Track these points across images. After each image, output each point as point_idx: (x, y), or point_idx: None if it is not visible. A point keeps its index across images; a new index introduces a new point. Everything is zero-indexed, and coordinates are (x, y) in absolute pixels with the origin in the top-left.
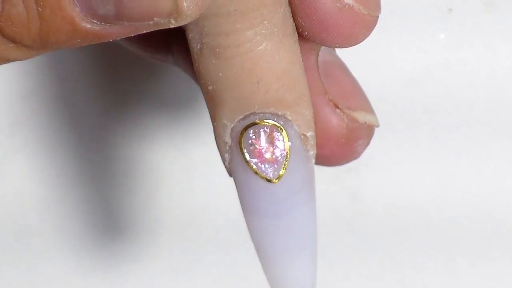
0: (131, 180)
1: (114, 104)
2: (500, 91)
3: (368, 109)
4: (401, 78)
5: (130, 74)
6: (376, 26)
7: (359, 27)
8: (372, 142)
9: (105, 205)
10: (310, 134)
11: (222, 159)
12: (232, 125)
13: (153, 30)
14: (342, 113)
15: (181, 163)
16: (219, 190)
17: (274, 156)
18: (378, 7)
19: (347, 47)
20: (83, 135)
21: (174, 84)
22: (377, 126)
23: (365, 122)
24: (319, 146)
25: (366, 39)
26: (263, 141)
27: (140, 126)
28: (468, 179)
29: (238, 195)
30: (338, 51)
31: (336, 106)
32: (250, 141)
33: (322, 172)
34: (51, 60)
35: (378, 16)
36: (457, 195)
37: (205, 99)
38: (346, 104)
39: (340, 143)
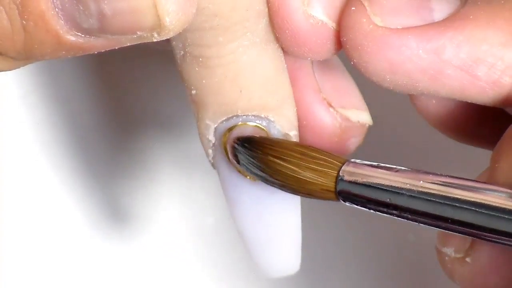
0: (130, 179)
1: (113, 103)
2: None
3: (362, 107)
4: None
5: (128, 74)
6: None
7: (332, 43)
8: (371, 141)
9: (103, 202)
10: (293, 133)
11: (206, 154)
12: (215, 126)
13: (137, 43)
14: (335, 112)
15: (180, 160)
16: (218, 186)
17: None
18: None
19: (319, 60)
20: (82, 134)
21: (171, 82)
22: (370, 125)
23: (358, 121)
24: (311, 144)
25: None
26: None
27: (139, 125)
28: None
29: (222, 188)
30: None
31: (330, 105)
32: None
33: None
34: (50, 60)
35: None
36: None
37: (188, 100)
38: (340, 103)
39: (332, 142)
